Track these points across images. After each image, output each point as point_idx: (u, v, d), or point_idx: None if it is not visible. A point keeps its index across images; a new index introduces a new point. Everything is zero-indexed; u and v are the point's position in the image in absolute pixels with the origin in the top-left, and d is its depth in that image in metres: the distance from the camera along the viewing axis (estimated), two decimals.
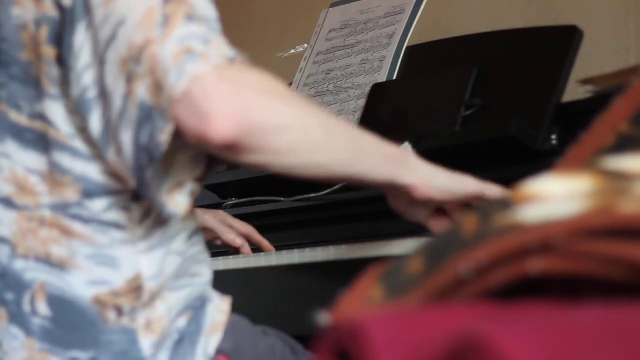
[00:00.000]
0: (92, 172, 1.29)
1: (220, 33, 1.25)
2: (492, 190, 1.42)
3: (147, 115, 1.19)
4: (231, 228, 1.92)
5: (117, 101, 1.22)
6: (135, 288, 1.29)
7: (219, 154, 1.24)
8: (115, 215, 1.29)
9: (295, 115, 1.24)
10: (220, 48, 1.21)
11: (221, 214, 1.94)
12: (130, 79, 1.20)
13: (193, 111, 1.17)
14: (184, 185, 1.25)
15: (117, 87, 1.22)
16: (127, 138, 1.22)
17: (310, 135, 1.26)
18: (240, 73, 1.21)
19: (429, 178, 1.38)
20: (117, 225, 1.30)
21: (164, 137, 1.19)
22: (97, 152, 1.28)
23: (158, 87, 1.18)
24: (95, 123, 1.25)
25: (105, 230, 1.29)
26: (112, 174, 1.28)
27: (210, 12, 1.25)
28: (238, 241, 1.90)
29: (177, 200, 1.25)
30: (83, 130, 1.28)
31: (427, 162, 1.38)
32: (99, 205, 1.29)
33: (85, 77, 1.25)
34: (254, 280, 1.85)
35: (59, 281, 1.29)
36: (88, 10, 1.24)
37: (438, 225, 1.46)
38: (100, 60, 1.23)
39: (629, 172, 0.68)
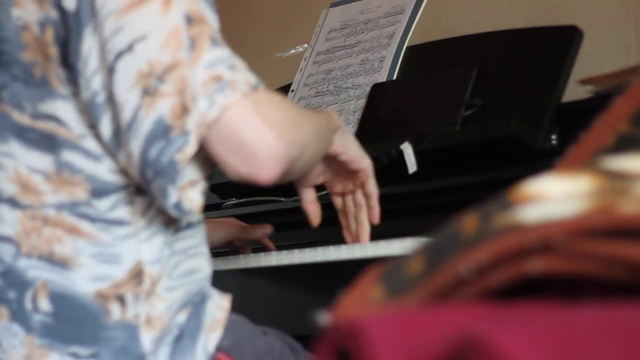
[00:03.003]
0: (102, 170, 1.30)
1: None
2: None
3: (162, 132, 1.23)
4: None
5: (127, 112, 1.24)
6: (137, 274, 1.31)
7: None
8: (119, 212, 1.31)
9: (308, 137, 1.35)
10: (245, 74, 1.27)
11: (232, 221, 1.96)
12: (149, 92, 1.23)
13: (236, 149, 1.24)
14: (197, 183, 1.27)
15: (129, 97, 1.24)
16: (135, 148, 1.25)
17: (310, 151, 1.38)
18: (268, 105, 1.28)
19: (343, 136, 1.55)
20: (120, 222, 1.31)
21: (183, 156, 1.23)
22: (107, 149, 1.29)
23: (183, 110, 1.23)
24: (106, 127, 1.28)
25: (109, 229, 1.30)
26: (121, 170, 1.30)
27: (216, 24, 1.30)
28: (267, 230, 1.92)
29: (192, 197, 1.27)
30: (93, 127, 1.29)
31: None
32: (105, 204, 1.31)
33: (94, 82, 1.26)
34: (254, 280, 1.85)
35: (61, 278, 1.30)
36: (94, 14, 1.25)
37: (311, 206, 1.63)
38: (108, 68, 1.25)
39: (629, 172, 0.68)
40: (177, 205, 1.26)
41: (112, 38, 1.24)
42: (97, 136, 1.29)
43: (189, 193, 1.26)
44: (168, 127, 1.22)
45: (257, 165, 1.25)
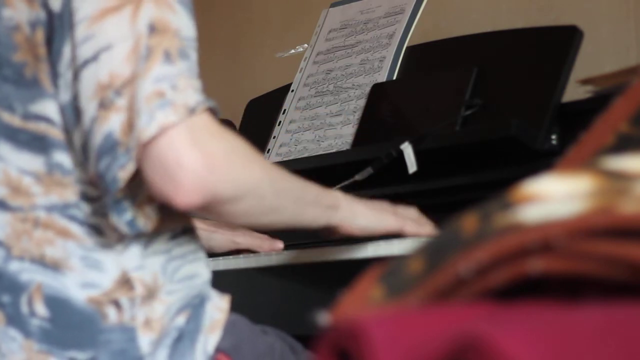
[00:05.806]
0: (86, 176, 1.29)
1: (196, 52, 1.27)
2: (410, 227, 1.55)
3: (110, 148, 1.21)
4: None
5: (86, 121, 1.24)
6: (125, 281, 1.30)
7: None
8: (98, 220, 1.30)
9: (253, 183, 1.29)
10: (185, 95, 1.22)
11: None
12: (104, 105, 1.22)
13: (161, 170, 1.20)
14: (153, 200, 1.26)
15: (88, 107, 1.23)
16: (92, 161, 1.24)
17: (263, 201, 1.32)
18: (208, 134, 1.23)
19: (352, 220, 1.49)
20: (99, 229, 1.30)
21: (124, 174, 1.21)
22: (78, 159, 1.29)
23: (129, 126, 1.21)
24: (77, 135, 1.27)
25: (92, 233, 1.30)
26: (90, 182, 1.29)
27: (191, 31, 1.27)
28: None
29: (148, 214, 1.26)
30: (67, 131, 1.28)
31: (354, 200, 1.50)
32: (90, 208, 1.30)
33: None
34: (254, 280, 1.85)
35: (54, 282, 1.29)
36: (71, 17, 1.25)
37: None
38: (74, 75, 1.24)
39: (629, 172, 0.68)
40: (131, 223, 1.26)
41: (81, 45, 1.23)
42: (72, 144, 1.28)
43: (146, 209, 1.26)
44: (116, 142, 1.21)
45: (173, 186, 1.20)
